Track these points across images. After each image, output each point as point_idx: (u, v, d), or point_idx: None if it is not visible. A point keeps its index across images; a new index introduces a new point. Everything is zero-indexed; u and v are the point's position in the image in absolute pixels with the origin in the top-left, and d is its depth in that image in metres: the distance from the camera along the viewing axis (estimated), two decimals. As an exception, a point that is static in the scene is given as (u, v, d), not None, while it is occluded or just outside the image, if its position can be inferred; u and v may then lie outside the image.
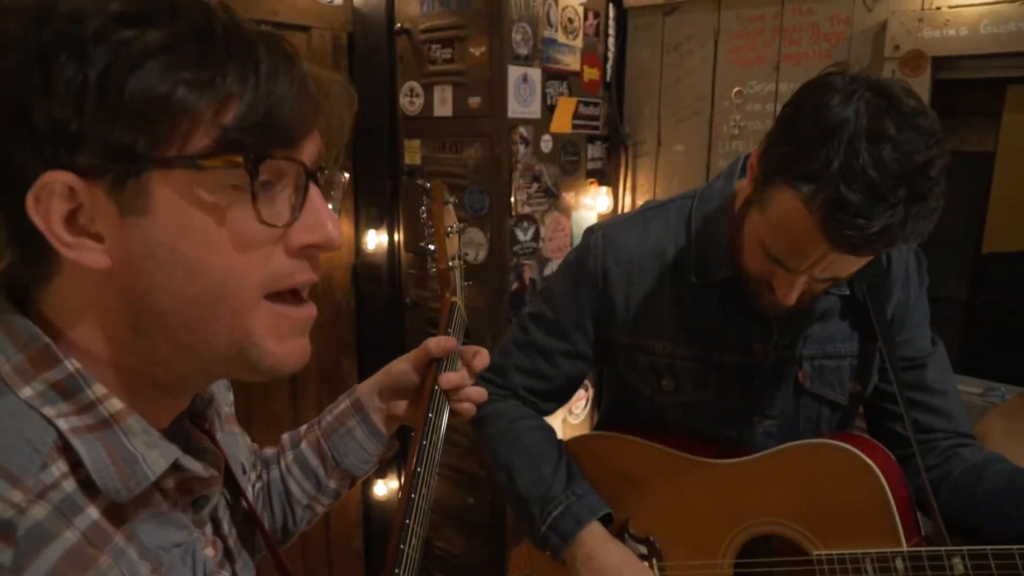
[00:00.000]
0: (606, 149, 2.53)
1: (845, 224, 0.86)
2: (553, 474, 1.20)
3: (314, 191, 0.55)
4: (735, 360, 1.16)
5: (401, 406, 0.92)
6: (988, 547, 0.95)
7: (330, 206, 0.58)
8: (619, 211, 2.60)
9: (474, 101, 2.13)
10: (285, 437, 0.94)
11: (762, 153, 0.97)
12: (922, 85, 1.89)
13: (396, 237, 2.44)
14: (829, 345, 1.16)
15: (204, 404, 0.67)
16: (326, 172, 0.59)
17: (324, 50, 2.26)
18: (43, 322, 0.53)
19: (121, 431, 0.53)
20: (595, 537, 1.12)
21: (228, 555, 0.67)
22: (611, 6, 2.43)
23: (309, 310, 0.59)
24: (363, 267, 2.48)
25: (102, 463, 0.51)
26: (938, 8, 1.88)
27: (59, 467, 0.50)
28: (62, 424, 0.50)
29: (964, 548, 0.97)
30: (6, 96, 0.46)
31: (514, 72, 2.09)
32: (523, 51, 2.11)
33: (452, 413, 0.91)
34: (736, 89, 2.30)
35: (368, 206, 2.43)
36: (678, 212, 1.21)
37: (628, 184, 2.59)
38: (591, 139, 2.45)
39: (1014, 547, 0.94)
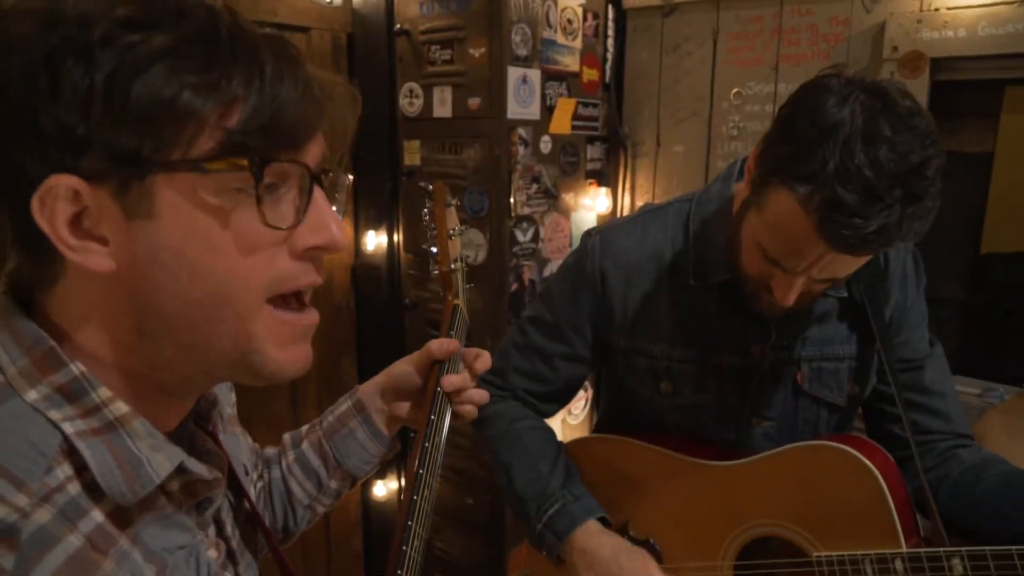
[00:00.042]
0: (605, 150, 2.54)
1: (842, 224, 0.86)
2: (551, 473, 1.20)
3: (318, 193, 0.56)
4: (733, 362, 1.17)
5: (403, 407, 0.92)
6: (987, 548, 0.96)
7: (334, 208, 0.58)
8: (618, 212, 2.60)
9: (473, 102, 2.14)
10: (286, 437, 0.94)
11: (759, 155, 0.98)
12: (920, 86, 1.90)
13: (396, 238, 2.44)
14: (827, 347, 1.16)
15: (208, 406, 0.67)
16: (330, 175, 0.59)
17: (323, 51, 2.26)
18: (48, 325, 0.53)
19: (126, 434, 0.53)
20: (589, 534, 1.12)
21: (231, 557, 0.68)
22: (610, 7, 2.43)
23: (311, 317, 0.59)
24: (362, 268, 2.48)
25: (107, 467, 0.51)
26: (936, 9, 1.88)
27: (64, 470, 0.50)
28: (67, 428, 0.51)
29: (963, 549, 0.97)
30: (12, 100, 0.47)
31: (513, 73, 2.09)
32: (522, 52, 2.11)
33: (454, 415, 0.91)
34: (735, 90, 2.31)
35: (368, 207, 2.43)
36: (676, 215, 1.21)
37: (627, 185, 2.59)
38: (590, 140, 2.45)
39: (1012, 548, 0.94)
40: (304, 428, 0.93)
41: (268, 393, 2.30)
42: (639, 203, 2.57)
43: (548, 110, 2.25)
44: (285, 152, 0.52)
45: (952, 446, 1.18)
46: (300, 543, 0.93)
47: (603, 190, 2.53)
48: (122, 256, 0.50)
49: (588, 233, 1.27)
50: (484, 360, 0.94)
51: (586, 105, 2.39)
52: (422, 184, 1.06)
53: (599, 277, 1.22)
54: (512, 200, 2.17)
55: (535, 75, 2.17)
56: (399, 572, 0.76)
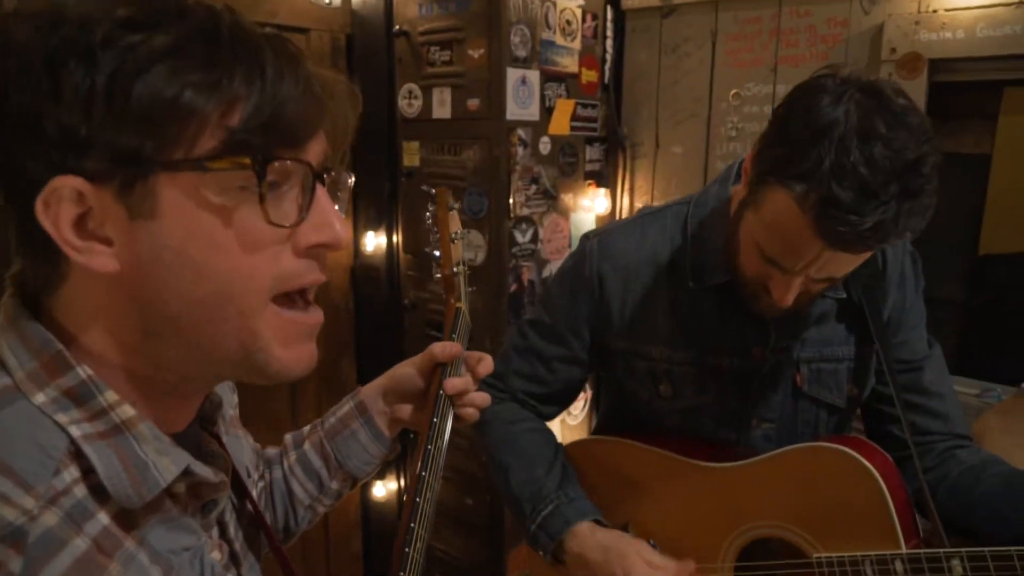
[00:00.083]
0: (604, 151, 2.54)
1: (838, 221, 0.86)
2: (547, 475, 1.20)
3: (320, 191, 0.56)
4: (733, 364, 1.17)
5: (405, 410, 0.93)
6: (986, 548, 0.96)
7: (336, 207, 0.58)
8: (617, 212, 2.60)
9: (473, 103, 2.14)
10: (288, 437, 0.94)
11: (755, 155, 0.98)
12: (919, 87, 1.90)
13: (395, 239, 2.44)
14: (826, 348, 1.17)
15: (213, 408, 0.68)
16: (332, 173, 0.59)
17: (323, 52, 2.26)
18: (54, 328, 0.53)
19: (133, 438, 0.53)
20: (581, 536, 1.13)
21: (234, 559, 0.68)
22: (609, 8, 2.43)
23: (316, 316, 0.59)
24: (362, 269, 2.48)
25: (114, 470, 0.51)
26: (935, 11, 1.89)
27: (71, 473, 0.50)
28: (74, 431, 0.51)
29: (963, 550, 0.98)
30: (15, 102, 0.47)
31: (512, 74, 2.09)
32: (521, 53, 2.11)
33: (456, 418, 0.91)
34: (734, 91, 2.31)
35: (367, 208, 2.43)
36: (674, 218, 1.21)
37: (626, 186, 2.59)
38: (589, 141, 2.45)
39: (1012, 548, 0.94)
40: (306, 429, 0.93)
41: (267, 393, 2.30)
42: (638, 204, 2.57)
43: (547, 111, 2.25)
44: (287, 150, 0.52)
45: (951, 447, 1.18)
46: (300, 544, 0.94)
47: (602, 191, 2.53)
48: (126, 257, 0.50)
49: (586, 236, 1.28)
50: (486, 364, 0.95)
51: (585, 106, 2.39)
52: (425, 188, 1.07)
53: (597, 280, 1.22)
54: (511, 201, 2.17)
55: (534, 76, 2.17)
56: (402, 574, 0.76)
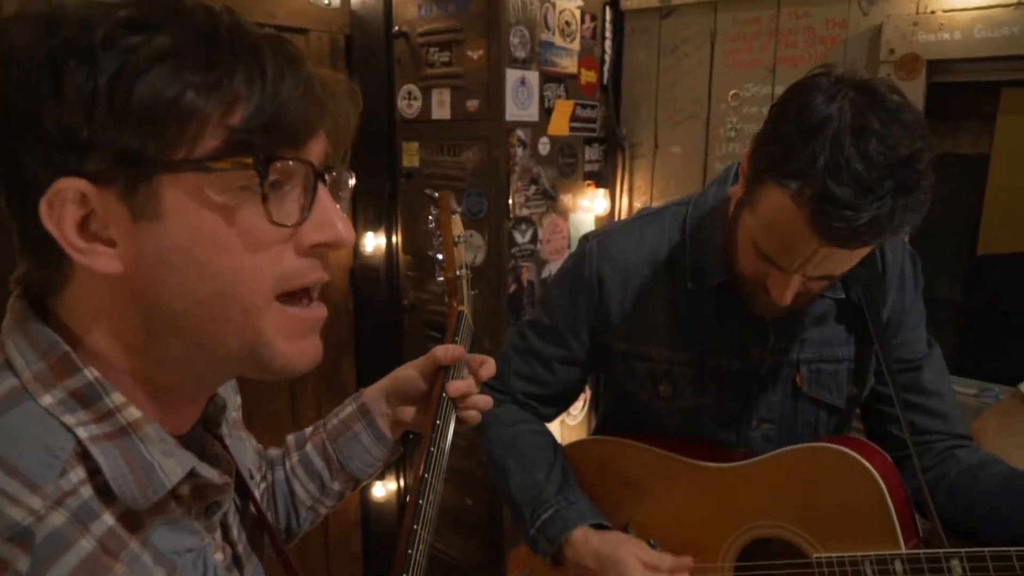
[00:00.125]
0: (603, 151, 2.54)
1: (833, 216, 0.87)
2: (546, 478, 1.20)
3: (322, 190, 0.56)
4: (732, 365, 1.17)
5: (408, 412, 0.93)
6: (986, 549, 0.96)
7: (338, 206, 0.58)
8: (616, 213, 2.60)
9: (472, 104, 2.14)
10: (290, 438, 0.94)
11: (751, 154, 0.98)
12: (917, 88, 1.90)
13: (394, 239, 2.44)
14: (826, 349, 1.17)
15: (217, 411, 0.68)
16: (334, 173, 0.59)
17: (322, 53, 2.26)
18: (60, 329, 0.53)
19: (139, 439, 0.53)
20: (580, 541, 1.13)
21: (236, 560, 0.68)
22: (608, 9, 2.44)
23: (319, 311, 0.59)
24: (361, 269, 2.48)
25: (120, 471, 0.52)
26: (933, 12, 1.89)
27: (77, 474, 0.50)
28: (81, 432, 0.51)
29: (962, 550, 0.98)
30: (17, 104, 0.47)
31: (512, 75, 2.10)
32: (521, 54, 2.11)
33: (459, 421, 0.91)
34: (732, 92, 2.31)
35: (366, 208, 2.43)
36: (673, 219, 1.21)
37: (625, 186, 2.59)
38: (588, 141, 2.46)
39: (1011, 549, 0.95)
40: (308, 430, 0.93)
41: (266, 394, 2.30)
42: (637, 204, 2.57)
43: (546, 112, 2.25)
44: (288, 150, 0.52)
45: (950, 446, 1.18)
46: (299, 544, 0.94)
47: (601, 191, 2.53)
48: (130, 258, 0.50)
49: (585, 237, 1.28)
50: (489, 367, 0.95)
51: (584, 107, 2.39)
52: (428, 191, 1.07)
53: (596, 281, 1.22)
54: (510, 201, 2.17)
55: (533, 77, 2.17)
56: (404, 575, 0.76)
